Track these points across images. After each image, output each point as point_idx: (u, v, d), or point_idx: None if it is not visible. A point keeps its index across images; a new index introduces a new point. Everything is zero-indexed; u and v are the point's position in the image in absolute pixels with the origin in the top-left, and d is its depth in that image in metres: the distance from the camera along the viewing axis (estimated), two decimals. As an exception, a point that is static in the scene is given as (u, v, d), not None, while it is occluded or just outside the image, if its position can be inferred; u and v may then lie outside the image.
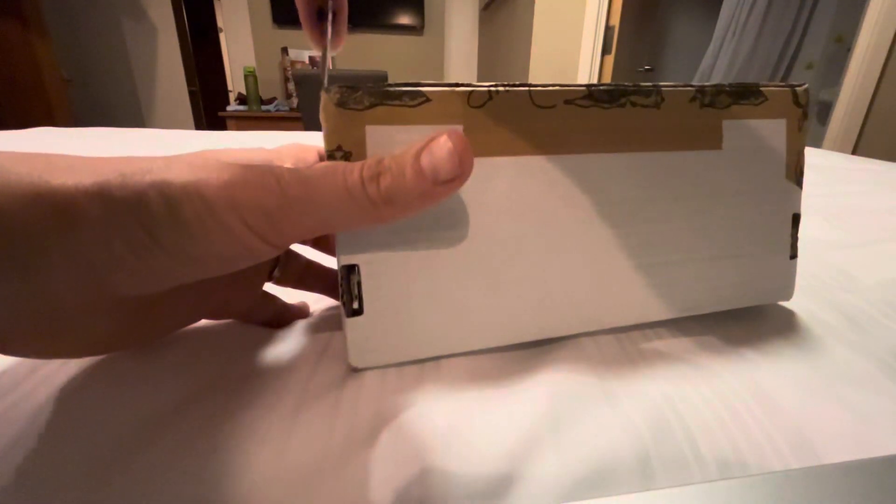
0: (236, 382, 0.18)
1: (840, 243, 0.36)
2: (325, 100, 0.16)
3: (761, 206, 0.21)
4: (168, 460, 0.15)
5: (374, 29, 2.99)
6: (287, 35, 2.90)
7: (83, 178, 0.12)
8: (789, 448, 0.16)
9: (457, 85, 0.17)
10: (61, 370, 0.18)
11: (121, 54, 2.62)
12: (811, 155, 0.81)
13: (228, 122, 2.72)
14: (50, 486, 0.14)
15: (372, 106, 0.16)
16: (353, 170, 0.14)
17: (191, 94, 2.86)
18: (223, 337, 0.22)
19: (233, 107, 2.84)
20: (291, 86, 2.84)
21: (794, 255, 0.23)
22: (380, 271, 0.18)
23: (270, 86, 2.95)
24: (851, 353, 0.21)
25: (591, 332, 0.21)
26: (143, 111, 2.75)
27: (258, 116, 2.75)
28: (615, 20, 1.95)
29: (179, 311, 0.18)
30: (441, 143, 0.15)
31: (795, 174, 0.22)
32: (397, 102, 0.16)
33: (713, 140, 0.20)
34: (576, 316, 0.20)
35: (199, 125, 2.93)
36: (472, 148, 0.16)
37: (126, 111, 2.70)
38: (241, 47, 2.91)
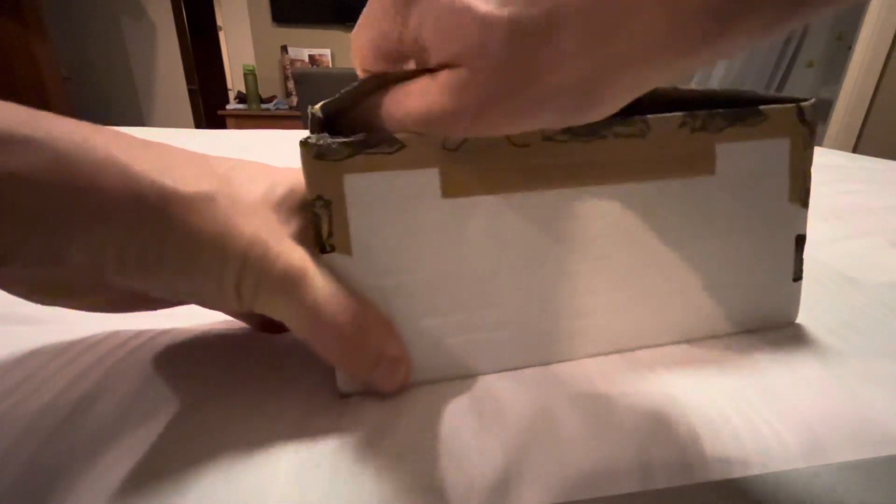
0: (239, 390, 0.18)
1: (840, 243, 0.36)
2: (304, 152, 0.16)
3: (761, 231, 0.21)
4: (173, 459, 0.15)
5: (373, 27, 2.98)
6: (287, 33, 2.89)
7: (124, 182, 0.13)
8: (799, 448, 0.16)
9: None
10: (61, 373, 0.18)
11: (120, 52, 2.62)
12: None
13: (228, 121, 2.71)
14: (51, 489, 0.14)
15: (349, 156, 0.16)
16: (338, 322, 0.16)
17: (190, 92, 2.86)
18: (226, 345, 0.22)
19: (232, 105, 2.83)
20: (291, 84, 2.83)
21: (798, 278, 0.22)
22: None
23: (270, 84, 2.95)
24: (855, 353, 0.21)
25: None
26: (143, 109, 2.75)
27: (258, 115, 2.74)
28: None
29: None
30: (390, 378, 0.18)
31: (800, 195, 0.21)
32: (374, 150, 0.16)
33: (705, 166, 0.19)
34: (555, 348, 0.20)
35: (199, 123, 2.92)
36: (449, 189, 0.17)
37: (125, 109, 2.70)
38: (240, 45, 2.90)
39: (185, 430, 0.16)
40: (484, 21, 0.12)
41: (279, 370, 0.20)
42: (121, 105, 2.70)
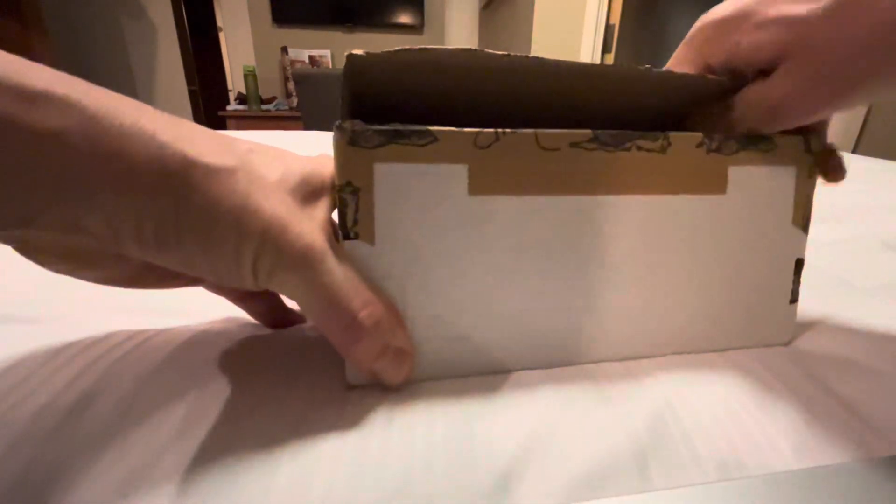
0: (238, 389, 0.19)
1: (835, 245, 0.36)
2: (338, 137, 0.16)
3: (763, 252, 0.21)
4: (172, 459, 0.15)
5: (373, 28, 2.99)
6: (287, 34, 2.89)
7: (149, 149, 0.13)
8: (791, 450, 0.16)
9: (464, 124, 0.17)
10: (59, 373, 0.19)
11: (120, 53, 2.62)
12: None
13: (228, 122, 2.72)
14: (51, 488, 0.14)
15: (381, 145, 0.16)
16: (351, 306, 0.16)
17: (190, 93, 2.86)
18: (224, 344, 0.22)
19: (233, 106, 2.84)
20: (291, 85, 2.83)
21: (794, 300, 0.22)
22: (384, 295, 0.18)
23: (270, 85, 2.95)
24: (849, 355, 0.21)
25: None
26: (143, 110, 2.75)
27: (258, 116, 2.75)
28: (615, 18, 1.94)
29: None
30: (394, 370, 0.18)
31: (802, 220, 0.21)
32: (406, 142, 0.16)
33: (717, 185, 0.20)
34: (564, 350, 0.20)
35: (199, 124, 2.92)
36: (476, 186, 0.17)
37: (126, 110, 2.69)
38: (240, 46, 2.91)
39: (184, 430, 0.16)
40: (802, 18, 0.17)
41: (279, 368, 0.20)
42: (121, 106, 2.69)
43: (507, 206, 0.18)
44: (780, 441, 0.16)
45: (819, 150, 0.21)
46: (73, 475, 0.14)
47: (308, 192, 0.17)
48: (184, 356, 0.20)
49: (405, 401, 0.18)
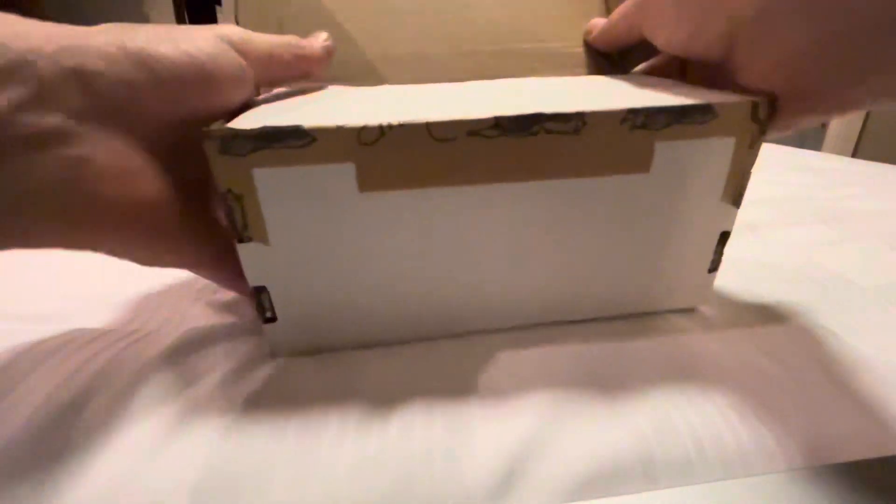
0: (236, 385, 0.18)
1: (838, 245, 0.36)
2: (208, 146, 0.15)
3: (685, 226, 0.21)
4: (169, 457, 0.15)
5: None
6: (288, 38, 2.90)
7: None
8: (799, 450, 0.16)
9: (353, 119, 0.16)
10: (56, 370, 0.18)
11: (122, 57, 2.63)
12: (811, 157, 0.81)
13: (229, 125, 2.73)
14: (45, 486, 0.14)
15: (256, 150, 0.16)
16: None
17: (191, 96, 2.87)
18: (222, 341, 0.22)
19: (233, 109, 2.84)
20: (292, 88, 2.84)
21: (713, 269, 0.23)
22: (288, 290, 0.19)
23: (271, 88, 2.96)
24: (853, 355, 0.21)
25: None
26: (144, 113, 2.76)
27: (258, 119, 2.76)
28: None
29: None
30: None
31: (733, 194, 0.20)
32: (281, 145, 0.16)
33: (641, 164, 0.19)
34: (467, 322, 0.22)
35: None
36: (366, 183, 0.17)
37: (127, 113, 2.70)
38: (241, 50, 2.92)
39: (179, 430, 0.16)
40: None
41: (274, 366, 0.19)
42: (122, 109, 2.71)
43: (402, 201, 0.18)
44: (788, 441, 0.16)
45: (766, 119, 0.19)
46: (69, 474, 0.14)
47: None
48: (179, 355, 0.20)
49: (404, 399, 0.18)
